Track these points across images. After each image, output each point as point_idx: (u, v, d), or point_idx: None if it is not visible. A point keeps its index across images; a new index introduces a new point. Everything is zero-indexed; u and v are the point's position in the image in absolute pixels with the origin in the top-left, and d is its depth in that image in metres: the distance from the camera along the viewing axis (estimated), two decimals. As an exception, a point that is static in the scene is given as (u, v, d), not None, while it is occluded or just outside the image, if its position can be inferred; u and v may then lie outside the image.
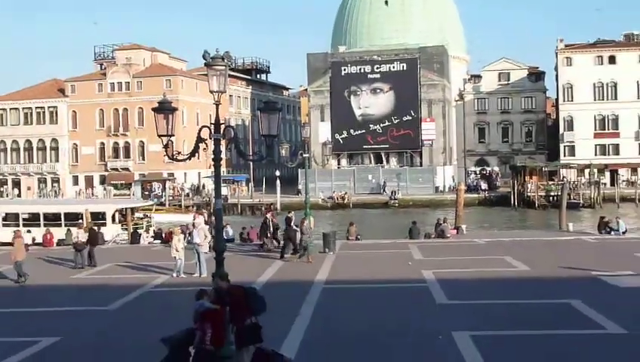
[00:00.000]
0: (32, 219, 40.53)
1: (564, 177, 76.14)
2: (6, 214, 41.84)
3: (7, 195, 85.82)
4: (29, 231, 38.75)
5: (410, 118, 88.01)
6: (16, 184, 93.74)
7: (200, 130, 11.80)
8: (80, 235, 27.57)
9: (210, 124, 11.69)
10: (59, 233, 38.07)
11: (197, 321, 9.90)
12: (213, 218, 25.33)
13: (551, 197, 70.72)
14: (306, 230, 26.37)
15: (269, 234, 29.20)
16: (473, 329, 13.66)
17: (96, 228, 37.93)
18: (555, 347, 12.63)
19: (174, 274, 22.51)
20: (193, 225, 25.41)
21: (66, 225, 39.18)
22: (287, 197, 72.68)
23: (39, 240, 36.41)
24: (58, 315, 17.11)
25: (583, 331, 13.72)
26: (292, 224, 27.86)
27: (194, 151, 11.98)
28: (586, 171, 79.71)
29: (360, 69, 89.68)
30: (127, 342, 12.75)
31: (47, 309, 17.96)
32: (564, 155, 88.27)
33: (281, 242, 28.14)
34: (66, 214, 40.69)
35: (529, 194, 74.55)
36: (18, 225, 39.74)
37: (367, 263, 24.92)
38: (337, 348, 12.80)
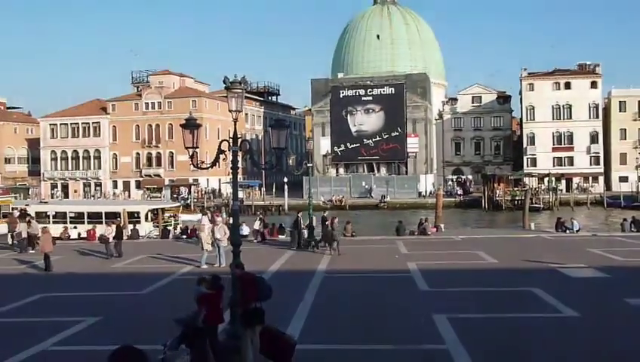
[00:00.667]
0: (78, 218, 40.49)
1: (526, 184, 76.12)
2: (56, 213, 41.81)
3: (56, 197, 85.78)
4: (75, 228, 38.98)
5: (398, 133, 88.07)
6: (65, 187, 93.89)
7: (220, 143, 11.85)
8: (106, 231, 27.96)
9: (229, 138, 11.77)
10: (100, 229, 38.14)
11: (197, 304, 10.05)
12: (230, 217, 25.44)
13: (516, 201, 70.74)
14: (335, 227, 26.47)
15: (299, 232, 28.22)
16: (450, 312, 13.71)
17: (130, 225, 38.56)
18: (518, 328, 12.71)
19: (203, 266, 22.45)
20: (214, 222, 25.44)
21: (106, 223, 39.31)
22: (293, 200, 72.60)
23: (84, 235, 36.49)
24: (100, 298, 17.15)
25: (542, 314, 13.79)
26: (327, 223, 27.46)
27: (215, 161, 12.05)
28: (545, 179, 79.95)
29: (355, 93, 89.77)
30: (158, 321, 12.77)
31: (91, 293, 18.04)
32: (527, 166, 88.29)
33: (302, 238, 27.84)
34: (106, 213, 40.64)
35: (497, 198, 74.85)
36: (66, 223, 39.85)
37: (360, 256, 24.90)
38: (336, 327, 12.84)
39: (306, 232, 28.37)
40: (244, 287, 10.36)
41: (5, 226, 34.33)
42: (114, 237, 27.14)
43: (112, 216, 39.60)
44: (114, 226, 28.06)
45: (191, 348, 9.81)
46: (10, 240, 32.23)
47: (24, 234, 30.00)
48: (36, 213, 40.99)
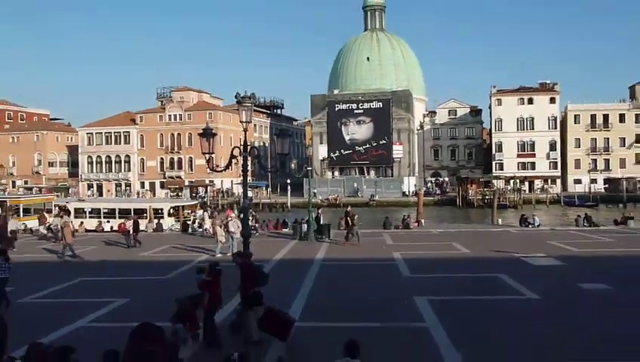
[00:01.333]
0: (110, 213, 40.51)
1: (495, 185, 76.16)
2: (91, 209, 41.84)
3: (92, 195, 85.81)
4: (108, 222, 38.93)
5: (385, 142, 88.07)
6: (99, 187, 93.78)
7: (232, 150, 11.88)
8: (127, 225, 28.16)
9: (240, 145, 11.78)
10: (129, 223, 38.14)
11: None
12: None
13: (485, 200, 70.78)
14: (356, 222, 26.46)
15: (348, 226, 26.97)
16: (429, 295, 13.73)
17: (155, 219, 38.52)
18: (487, 307, 12.76)
19: (218, 255, 22.45)
20: (229, 217, 25.49)
21: (126, 218, 39.38)
22: (295, 198, 72.66)
23: (115, 228, 36.44)
24: (129, 282, 17.16)
25: (508, 296, 13.84)
26: (349, 217, 27.09)
27: (228, 165, 12.08)
28: (511, 181, 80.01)
29: (348, 106, 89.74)
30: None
31: (121, 278, 18.04)
32: (495, 170, 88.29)
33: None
34: (134, 209, 40.63)
35: (470, 197, 74.84)
36: (100, 218, 39.87)
37: (353, 246, 24.76)
38: (331, 308, 12.82)
39: (305, 226, 28.36)
40: (244, 274, 10.47)
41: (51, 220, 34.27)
42: (133, 230, 27.32)
43: (140, 212, 39.60)
44: (132, 221, 28.35)
45: (184, 325, 10.03)
46: (45, 232, 32.14)
47: (59, 227, 30.12)
48: (75, 209, 41.01)
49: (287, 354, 9.11)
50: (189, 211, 43.49)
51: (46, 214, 37.08)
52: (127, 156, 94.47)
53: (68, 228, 24.89)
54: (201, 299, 10.06)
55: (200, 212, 39.10)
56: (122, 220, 37.26)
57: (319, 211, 31.87)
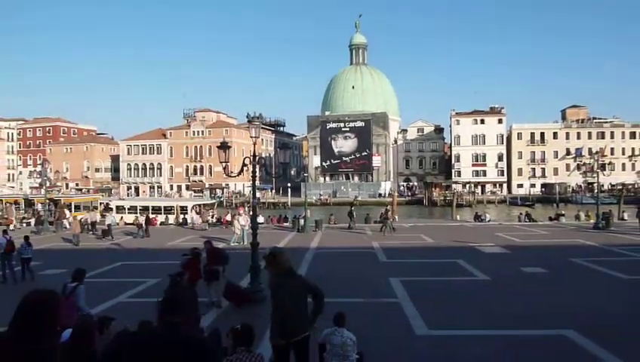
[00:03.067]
0: (145, 210, 40.37)
1: (454, 189, 76.52)
2: (130, 206, 41.65)
3: (130, 195, 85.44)
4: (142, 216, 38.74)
5: (366, 153, 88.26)
6: (136, 189, 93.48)
7: (244, 160, 11.87)
8: (140, 219, 28.45)
9: (250, 156, 11.77)
10: (160, 218, 37.92)
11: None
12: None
13: (447, 200, 71.03)
14: (390, 216, 26.66)
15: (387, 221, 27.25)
16: (401, 276, 13.72)
17: (181, 215, 38.17)
18: (448, 286, 12.76)
19: (232, 243, 22.36)
20: (240, 213, 25.48)
21: (164, 213, 39.09)
22: (294, 198, 72.56)
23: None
24: (159, 266, 16.99)
25: (464, 278, 13.84)
26: (384, 211, 28.04)
27: (240, 171, 12.06)
28: (467, 185, 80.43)
29: (337, 125, 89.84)
30: (200, 282, 12.75)
31: (153, 262, 17.92)
32: (454, 176, 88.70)
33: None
34: (164, 207, 40.51)
35: (434, 198, 75.18)
36: (136, 213, 39.70)
37: (340, 237, 24.94)
38: (323, 287, 12.79)
39: (302, 221, 28.32)
40: (209, 256, 11.16)
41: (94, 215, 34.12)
42: (144, 223, 27.22)
43: (169, 209, 39.40)
44: (144, 216, 28.26)
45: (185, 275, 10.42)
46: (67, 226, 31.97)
47: (95, 220, 30.52)
48: (116, 206, 40.79)
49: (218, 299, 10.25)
50: (209, 208, 43.30)
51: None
52: (159, 164, 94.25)
53: (76, 221, 24.77)
54: (183, 275, 10.14)
55: (192, 212, 38.13)
56: (154, 215, 37.19)
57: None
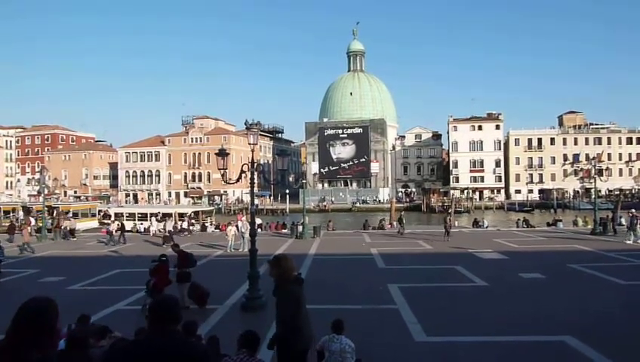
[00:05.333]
0: (144, 216, 40.27)
1: (452, 195, 76.51)
2: (129, 213, 41.60)
3: (128, 202, 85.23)
4: (141, 224, 38.60)
5: (364, 160, 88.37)
6: (135, 196, 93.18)
7: (242, 166, 11.86)
8: (111, 226, 28.37)
9: (248, 162, 11.77)
10: (114, 225, 37.79)
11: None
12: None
13: (445, 206, 70.81)
14: (449, 223, 26.95)
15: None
16: (400, 282, 13.67)
17: (180, 221, 37.97)
18: (446, 292, 12.73)
19: (229, 250, 22.40)
20: (240, 220, 25.40)
21: (112, 220, 38.99)
22: (292, 205, 72.35)
23: (144, 229, 36.16)
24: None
25: (462, 284, 13.80)
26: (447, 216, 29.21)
27: (239, 178, 12.04)
28: (465, 191, 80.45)
29: (335, 131, 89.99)
30: (203, 285, 12.70)
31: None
32: (453, 182, 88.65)
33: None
34: (162, 214, 40.40)
35: (432, 204, 74.97)
36: (135, 220, 39.54)
37: (338, 244, 24.87)
38: (322, 293, 12.72)
39: (300, 227, 28.26)
40: (179, 259, 11.73)
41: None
42: (118, 230, 26.82)
43: (167, 216, 39.26)
44: (117, 223, 27.80)
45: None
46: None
47: (74, 227, 30.72)
48: (115, 213, 40.72)
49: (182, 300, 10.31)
50: (207, 215, 43.25)
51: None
52: (158, 171, 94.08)
53: (26, 231, 24.28)
54: (150, 281, 10.97)
55: (154, 220, 37.20)
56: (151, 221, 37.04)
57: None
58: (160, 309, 2.86)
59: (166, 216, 37.40)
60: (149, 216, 39.64)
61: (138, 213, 41.61)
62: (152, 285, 10.69)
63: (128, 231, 32.11)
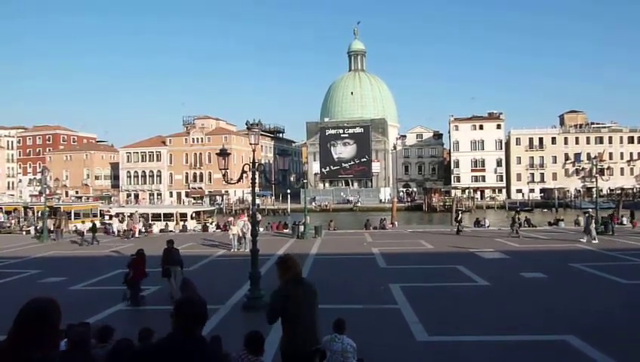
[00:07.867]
0: (145, 216, 40.25)
1: (453, 194, 76.46)
2: (130, 213, 41.47)
3: (129, 203, 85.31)
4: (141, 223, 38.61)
5: (365, 159, 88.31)
6: (136, 196, 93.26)
7: (243, 166, 11.86)
8: (82, 226, 28.17)
9: (249, 162, 11.77)
10: (161, 224, 37.81)
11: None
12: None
13: (446, 206, 70.76)
14: (518, 220, 26.84)
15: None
16: (401, 282, 13.67)
17: (181, 222, 37.95)
18: (448, 292, 12.72)
19: (234, 249, 22.39)
20: (241, 219, 25.42)
21: (164, 220, 38.95)
22: (293, 205, 72.39)
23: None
24: (160, 273, 16.94)
25: (464, 283, 13.80)
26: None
27: (240, 178, 12.04)
28: (466, 191, 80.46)
29: (336, 131, 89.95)
30: (205, 285, 12.58)
31: (154, 269, 17.75)
32: (454, 182, 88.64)
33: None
34: (164, 214, 40.39)
35: (434, 204, 75.04)
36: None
37: (340, 243, 24.85)
38: (323, 292, 12.72)
39: (301, 227, 28.26)
40: (164, 256, 12.60)
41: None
42: (89, 230, 26.58)
43: (169, 216, 39.27)
44: (89, 222, 27.44)
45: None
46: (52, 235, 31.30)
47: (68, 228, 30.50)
48: (116, 213, 40.67)
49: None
50: (209, 215, 43.20)
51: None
52: (159, 171, 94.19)
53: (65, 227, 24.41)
54: (128, 275, 11.94)
55: (116, 220, 36.94)
56: (154, 222, 36.98)
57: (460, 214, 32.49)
58: (186, 308, 2.78)
59: (129, 216, 36.45)
60: (149, 216, 39.61)
61: (139, 214, 41.51)
62: (130, 277, 11.60)
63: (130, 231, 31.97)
